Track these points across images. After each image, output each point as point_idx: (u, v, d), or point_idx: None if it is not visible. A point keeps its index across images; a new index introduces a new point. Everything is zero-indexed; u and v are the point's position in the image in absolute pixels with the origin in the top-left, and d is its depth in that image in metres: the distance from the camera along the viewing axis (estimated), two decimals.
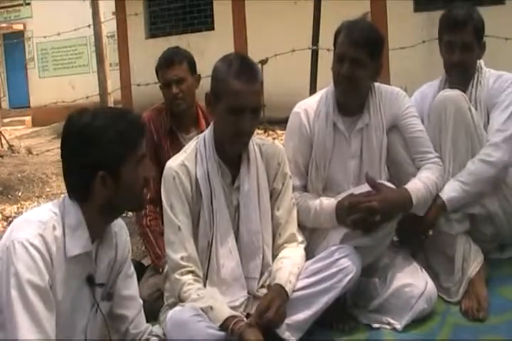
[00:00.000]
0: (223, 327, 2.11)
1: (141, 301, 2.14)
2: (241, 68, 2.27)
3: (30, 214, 1.87)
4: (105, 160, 1.81)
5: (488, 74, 2.87)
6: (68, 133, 1.85)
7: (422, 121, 2.78)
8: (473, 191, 2.65)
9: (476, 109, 2.78)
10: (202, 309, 2.16)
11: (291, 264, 2.35)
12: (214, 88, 2.32)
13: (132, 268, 2.10)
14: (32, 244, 1.73)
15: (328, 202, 2.56)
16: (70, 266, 1.81)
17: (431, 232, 2.65)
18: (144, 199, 1.99)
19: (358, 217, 2.42)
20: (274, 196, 2.46)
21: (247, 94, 2.25)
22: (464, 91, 2.81)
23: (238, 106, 2.24)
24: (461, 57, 2.79)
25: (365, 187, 2.52)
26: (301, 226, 2.55)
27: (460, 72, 2.85)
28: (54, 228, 1.79)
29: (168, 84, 3.12)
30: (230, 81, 2.25)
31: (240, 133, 2.28)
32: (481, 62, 2.90)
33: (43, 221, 1.79)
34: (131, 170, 1.86)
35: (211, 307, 2.16)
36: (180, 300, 2.24)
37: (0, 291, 1.73)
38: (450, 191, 2.62)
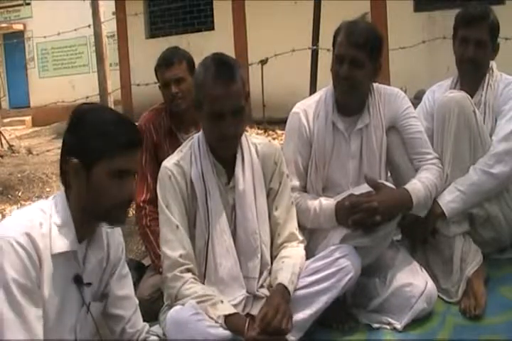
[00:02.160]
0: (228, 321, 2.12)
1: (137, 300, 2.14)
2: (216, 72, 2.24)
3: (17, 213, 1.89)
4: (83, 149, 1.84)
5: (499, 78, 2.87)
6: (69, 117, 1.90)
7: (433, 121, 2.79)
8: (472, 201, 2.66)
9: (484, 112, 2.79)
10: (208, 301, 2.17)
11: (292, 264, 2.35)
12: (195, 94, 2.32)
13: (127, 268, 2.10)
14: (18, 243, 1.73)
15: (328, 203, 2.56)
16: (56, 263, 1.81)
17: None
18: (114, 219, 1.90)
19: (358, 218, 2.42)
20: (272, 196, 2.46)
21: (225, 99, 2.23)
22: (474, 92, 2.81)
23: (217, 112, 2.24)
24: (474, 52, 2.79)
25: (365, 188, 2.52)
26: (300, 227, 2.55)
27: (472, 69, 2.84)
28: (41, 225, 1.80)
29: (167, 83, 3.12)
30: (206, 87, 2.24)
31: (224, 137, 2.28)
32: (494, 64, 2.91)
33: (29, 219, 1.80)
34: (104, 175, 1.84)
35: (221, 301, 2.19)
36: (178, 297, 2.23)
37: None
38: (449, 201, 2.63)
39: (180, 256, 2.27)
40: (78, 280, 1.89)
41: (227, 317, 2.14)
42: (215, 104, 2.23)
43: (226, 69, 2.27)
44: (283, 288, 2.27)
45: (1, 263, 1.71)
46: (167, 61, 3.13)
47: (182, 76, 3.11)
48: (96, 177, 1.84)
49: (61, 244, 1.82)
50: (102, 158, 1.83)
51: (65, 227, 1.84)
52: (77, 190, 1.86)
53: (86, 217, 1.89)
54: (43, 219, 1.82)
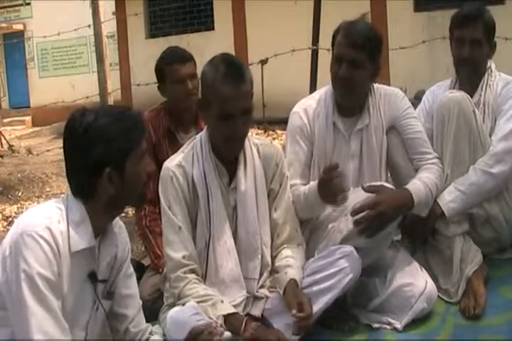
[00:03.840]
0: (227, 321, 2.12)
1: (140, 300, 2.14)
2: (227, 72, 2.24)
3: (34, 210, 1.89)
4: (111, 157, 1.85)
5: (498, 78, 2.87)
6: (72, 133, 1.87)
7: (432, 121, 2.79)
8: (472, 202, 2.66)
9: (484, 111, 2.79)
10: (208, 301, 2.17)
11: (297, 266, 2.36)
12: (203, 94, 2.31)
13: (131, 268, 2.11)
14: (41, 236, 1.75)
15: (313, 183, 2.51)
16: (74, 261, 1.83)
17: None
18: (145, 194, 2.03)
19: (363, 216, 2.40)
20: (272, 197, 2.45)
21: (236, 99, 2.23)
22: (473, 92, 2.82)
23: (228, 112, 2.23)
24: (470, 52, 2.80)
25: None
26: (301, 227, 2.55)
27: (469, 69, 2.84)
28: (59, 222, 1.81)
29: (182, 79, 3.07)
30: (217, 87, 2.23)
31: (233, 137, 2.28)
32: (492, 64, 2.91)
33: (47, 216, 1.81)
34: (135, 166, 1.90)
35: (221, 301, 2.19)
36: (180, 297, 2.24)
37: (8, 286, 1.73)
38: (449, 201, 2.63)
39: (183, 257, 2.28)
40: (93, 276, 1.90)
41: (226, 316, 2.14)
42: (226, 105, 2.23)
43: (237, 70, 2.27)
44: (295, 283, 2.28)
45: (26, 257, 1.72)
46: (181, 58, 3.10)
47: (195, 72, 3.10)
48: (129, 172, 1.88)
49: (80, 241, 1.83)
50: (131, 154, 1.87)
51: (82, 224, 1.85)
52: (108, 193, 1.87)
53: (107, 212, 1.91)
54: (60, 217, 1.83)
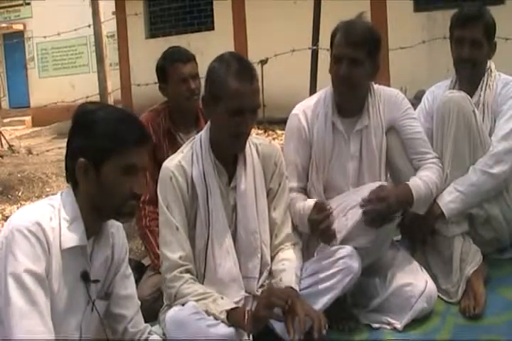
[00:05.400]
0: (231, 315, 2.12)
1: (139, 301, 2.15)
2: (239, 68, 2.25)
3: (27, 208, 1.91)
4: (91, 149, 1.84)
5: (498, 78, 2.87)
6: (73, 118, 1.91)
7: (432, 121, 2.79)
8: (472, 202, 2.66)
9: (483, 112, 2.79)
10: (209, 297, 2.17)
11: (294, 267, 2.35)
12: (212, 90, 2.30)
13: (130, 269, 2.11)
14: (31, 231, 1.75)
15: (309, 206, 2.50)
16: (65, 259, 1.83)
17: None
18: (126, 213, 1.92)
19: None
20: (271, 196, 2.45)
21: (248, 95, 2.24)
22: (473, 92, 2.82)
23: (239, 108, 2.23)
24: (470, 52, 2.80)
25: (365, 188, 2.51)
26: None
27: (469, 69, 2.85)
28: (51, 219, 1.82)
29: (185, 79, 3.06)
30: (230, 82, 2.23)
31: (240, 134, 2.28)
32: (492, 64, 2.91)
33: (39, 212, 1.82)
34: (115, 173, 1.86)
35: (222, 297, 2.19)
36: (177, 296, 2.23)
37: None
38: (449, 201, 2.63)
39: (180, 257, 2.27)
40: (85, 276, 1.90)
41: (229, 311, 2.14)
42: (238, 100, 2.23)
43: (248, 67, 2.29)
44: (291, 289, 2.25)
45: (14, 252, 1.73)
46: (184, 57, 3.10)
47: (197, 72, 3.10)
48: (106, 175, 1.86)
49: (71, 238, 1.83)
50: (111, 157, 1.85)
51: (74, 222, 1.85)
52: (85, 188, 1.88)
53: (94, 213, 1.90)
54: (52, 214, 1.83)
